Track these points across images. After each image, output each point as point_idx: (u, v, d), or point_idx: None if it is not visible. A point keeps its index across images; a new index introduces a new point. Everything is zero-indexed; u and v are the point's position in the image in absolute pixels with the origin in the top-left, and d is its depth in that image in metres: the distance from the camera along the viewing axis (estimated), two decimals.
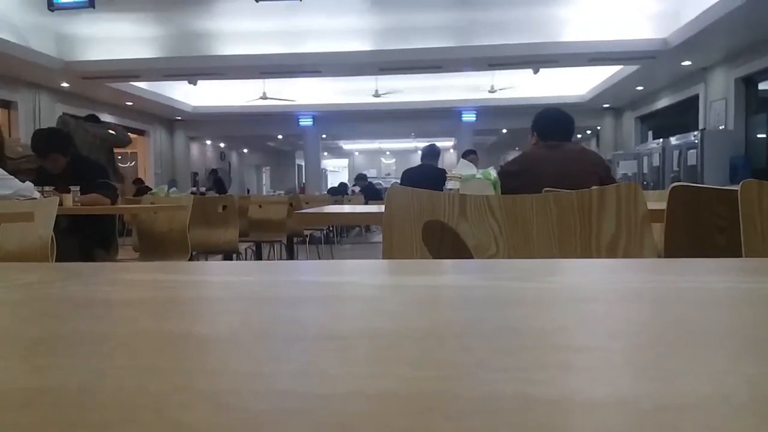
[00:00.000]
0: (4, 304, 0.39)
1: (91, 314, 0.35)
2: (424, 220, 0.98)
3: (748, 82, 8.15)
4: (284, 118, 14.10)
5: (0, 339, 0.29)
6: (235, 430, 0.17)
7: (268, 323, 0.32)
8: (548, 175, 2.86)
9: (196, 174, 15.83)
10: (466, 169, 1.87)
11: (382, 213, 1.02)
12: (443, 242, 0.98)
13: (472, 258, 0.96)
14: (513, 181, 2.80)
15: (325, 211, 1.65)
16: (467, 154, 6.78)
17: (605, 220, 0.96)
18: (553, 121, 3.06)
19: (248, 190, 20.46)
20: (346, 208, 2.10)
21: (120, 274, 0.52)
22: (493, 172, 1.84)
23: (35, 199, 2.88)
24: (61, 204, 3.02)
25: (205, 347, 0.27)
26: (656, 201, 2.65)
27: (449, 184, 1.85)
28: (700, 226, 1.00)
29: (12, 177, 2.82)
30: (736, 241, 0.88)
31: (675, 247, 0.98)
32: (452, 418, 0.18)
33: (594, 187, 0.97)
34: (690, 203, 1.00)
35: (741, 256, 0.91)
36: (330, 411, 0.19)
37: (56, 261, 2.77)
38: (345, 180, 18.78)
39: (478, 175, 1.82)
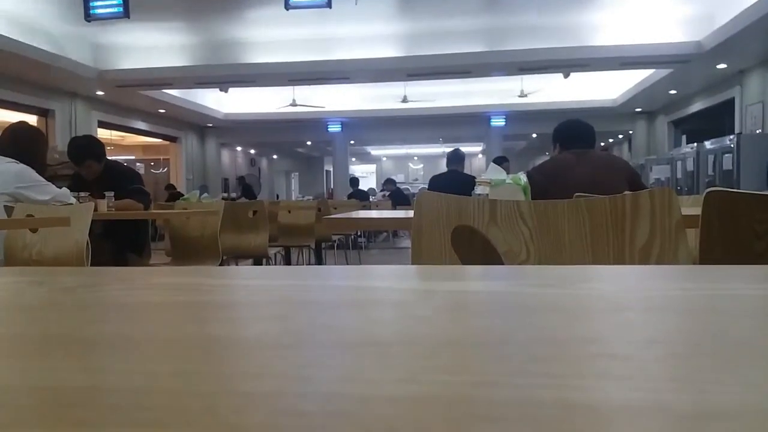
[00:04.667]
0: (50, 307, 0.41)
1: (133, 318, 0.36)
2: (453, 225, 0.98)
3: None
4: (313, 124, 14.22)
5: (51, 341, 0.30)
6: (287, 431, 0.18)
7: (306, 327, 0.32)
8: (577, 180, 2.83)
9: (226, 180, 16.05)
10: (496, 174, 1.86)
11: (410, 218, 1.02)
12: (473, 248, 0.98)
13: (503, 264, 0.95)
14: (541, 186, 2.78)
15: (353, 216, 1.65)
16: (500, 161, 6.69)
17: (639, 225, 0.95)
18: (575, 131, 3.05)
19: (278, 196, 20.66)
20: (374, 214, 2.11)
21: (157, 278, 0.54)
22: (523, 177, 1.83)
23: (71, 204, 2.95)
24: (96, 209, 3.10)
25: (247, 351, 0.28)
26: (691, 206, 2.60)
27: (478, 189, 1.85)
28: (736, 232, 0.98)
29: (49, 183, 2.90)
30: None
31: (710, 254, 0.96)
32: (493, 422, 0.18)
33: (627, 192, 0.96)
34: (726, 209, 0.98)
35: None
36: (374, 414, 0.19)
37: (91, 265, 2.84)
38: (373, 185, 18.79)
39: (508, 180, 1.81)
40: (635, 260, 0.94)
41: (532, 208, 0.98)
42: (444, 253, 0.97)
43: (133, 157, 15.63)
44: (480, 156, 19.74)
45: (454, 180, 5.48)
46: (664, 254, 0.92)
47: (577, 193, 2.76)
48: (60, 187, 3.02)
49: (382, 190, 11.94)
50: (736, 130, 8.83)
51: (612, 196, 0.96)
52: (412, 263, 0.99)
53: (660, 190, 0.95)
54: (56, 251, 2.70)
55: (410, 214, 1.06)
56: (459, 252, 0.96)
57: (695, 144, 8.84)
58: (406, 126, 14.33)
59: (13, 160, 2.74)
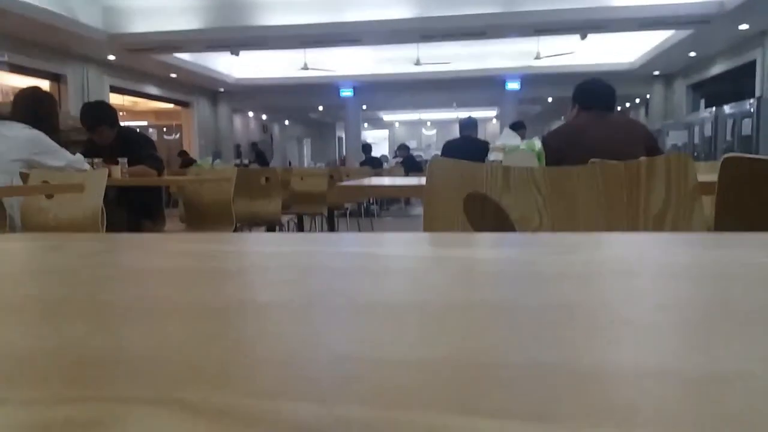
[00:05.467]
0: (66, 272, 0.41)
1: (147, 283, 0.37)
2: (466, 192, 0.97)
3: None
4: (325, 89, 14.11)
5: (66, 305, 0.31)
6: (299, 393, 0.18)
7: (319, 293, 0.33)
8: (594, 145, 2.80)
9: (239, 146, 16.04)
10: (510, 139, 1.84)
11: (422, 186, 1.02)
12: (485, 215, 0.98)
13: (515, 231, 0.95)
14: (557, 151, 2.75)
15: (365, 183, 1.65)
16: (517, 127, 6.57)
17: (654, 191, 0.94)
18: (595, 93, 2.99)
19: (290, 162, 20.66)
20: (386, 181, 2.10)
21: (171, 244, 0.54)
22: (537, 143, 1.81)
23: (86, 171, 2.98)
24: (109, 176, 3.12)
25: (260, 315, 0.28)
26: (707, 173, 2.57)
27: (492, 156, 1.83)
28: (753, 199, 0.96)
29: (63, 149, 2.91)
30: None
31: (726, 221, 0.95)
32: (504, 385, 0.19)
33: (642, 158, 0.95)
34: (743, 175, 0.96)
35: None
36: (386, 376, 0.19)
37: (106, 231, 2.87)
38: (385, 151, 18.70)
39: (522, 146, 1.79)
40: (649, 227, 0.93)
41: (546, 175, 0.97)
42: (456, 220, 0.96)
43: (145, 123, 15.64)
44: (494, 121, 19.53)
45: (468, 145, 5.45)
46: (678, 221, 0.92)
47: (592, 159, 2.73)
48: (73, 153, 3.03)
49: (395, 156, 11.87)
50: (757, 94, 8.63)
51: (627, 162, 0.95)
52: (425, 231, 0.99)
53: (676, 156, 0.93)
54: (71, 216, 2.73)
55: (423, 181, 1.06)
56: (471, 219, 0.96)
57: (713, 108, 8.67)
58: (418, 90, 14.17)
59: (27, 126, 2.75)
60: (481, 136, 6.32)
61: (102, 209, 2.68)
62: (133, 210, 3.79)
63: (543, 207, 0.96)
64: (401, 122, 24.50)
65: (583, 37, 9.04)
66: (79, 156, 3.08)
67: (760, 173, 0.94)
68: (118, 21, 8.84)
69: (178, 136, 14.78)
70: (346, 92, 14.35)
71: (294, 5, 8.51)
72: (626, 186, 0.95)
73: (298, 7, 8.51)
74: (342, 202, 6.38)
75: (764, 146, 7.44)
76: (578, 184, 0.96)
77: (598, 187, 0.96)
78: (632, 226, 0.94)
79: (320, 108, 18.26)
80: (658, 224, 0.93)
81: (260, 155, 13.94)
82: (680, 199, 0.92)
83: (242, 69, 12.96)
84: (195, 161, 12.04)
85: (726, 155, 0.96)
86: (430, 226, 0.98)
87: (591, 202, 0.96)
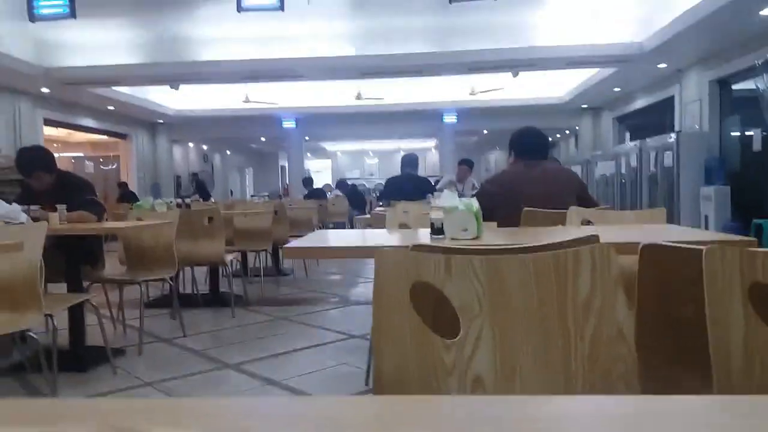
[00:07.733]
0: None
1: None
2: (412, 280, 1.04)
3: (723, 84, 8.33)
4: (267, 120, 14.11)
5: None
6: None
7: None
8: (528, 193, 2.96)
9: (179, 177, 15.72)
10: (449, 199, 1.94)
11: (375, 248, 1.08)
12: (428, 304, 1.05)
13: (457, 320, 1.02)
14: (492, 198, 2.90)
15: (316, 246, 1.70)
16: (464, 164, 6.79)
17: (580, 278, 1.04)
18: (529, 142, 3.19)
19: (231, 192, 20.40)
20: (332, 239, 2.15)
21: None
22: (475, 204, 1.91)
23: (23, 223, 2.90)
24: (47, 222, 3.04)
25: None
26: (633, 223, 2.74)
27: (433, 215, 1.92)
28: (670, 285, 1.08)
29: None
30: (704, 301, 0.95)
31: (647, 307, 1.06)
32: None
33: (570, 250, 1.05)
34: (660, 262, 1.08)
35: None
36: None
37: (45, 277, 2.79)
38: (329, 180, 18.75)
39: (461, 207, 1.89)
40: (578, 313, 1.03)
41: (484, 264, 1.05)
42: (404, 307, 1.03)
43: (81, 155, 15.15)
44: (433, 150, 19.93)
45: (409, 183, 5.60)
46: (604, 308, 1.02)
47: (526, 207, 2.88)
48: (8, 195, 2.94)
49: (336, 188, 11.93)
50: (676, 128, 9.21)
51: (554, 252, 1.05)
52: (374, 318, 1.05)
53: (600, 247, 1.04)
54: (9, 272, 2.65)
55: (374, 240, 1.11)
56: (417, 307, 1.03)
57: (638, 141, 9.19)
58: (360, 122, 14.38)
59: None
60: (421, 165, 6.53)
61: (41, 261, 2.62)
62: (73, 255, 3.70)
63: (482, 295, 1.04)
64: (344, 152, 24.67)
65: (515, 74, 9.43)
66: (15, 206, 3.01)
67: (674, 260, 1.05)
68: (53, 55, 8.60)
69: (115, 166, 14.38)
70: (289, 123, 14.40)
71: (235, 41, 8.53)
72: (555, 275, 1.04)
73: (239, 42, 8.53)
74: (286, 237, 6.33)
75: (684, 176, 7.94)
76: (512, 272, 1.05)
77: (530, 275, 1.05)
78: (562, 312, 1.03)
79: (262, 139, 18.19)
80: (586, 311, 1.03)
81: (201, 186, 13.74)
82: (605, 287, 1.02)
83: (182, 101, 12.80)
84: (133, 193, 11.72)
85: (643, 244, 1.07)
86: (378, 313, 1.05)
87: (524, 290, 1.05)
